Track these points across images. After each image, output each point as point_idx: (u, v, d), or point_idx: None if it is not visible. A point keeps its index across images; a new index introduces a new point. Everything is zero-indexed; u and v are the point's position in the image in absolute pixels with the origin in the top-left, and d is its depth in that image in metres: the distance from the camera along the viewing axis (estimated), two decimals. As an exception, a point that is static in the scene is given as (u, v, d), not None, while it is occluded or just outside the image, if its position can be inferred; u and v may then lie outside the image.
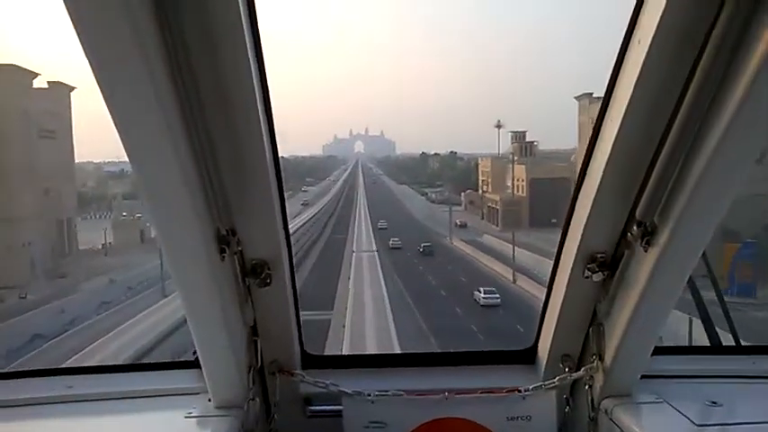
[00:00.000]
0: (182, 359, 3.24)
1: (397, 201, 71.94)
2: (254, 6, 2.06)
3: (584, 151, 2.56)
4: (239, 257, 2.59)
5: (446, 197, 65.78)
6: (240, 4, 1.97)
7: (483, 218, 58.03)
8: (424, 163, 76.87)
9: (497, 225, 53.47)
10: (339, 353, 22.44)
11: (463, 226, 56.64)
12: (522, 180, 54.26)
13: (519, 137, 56.69)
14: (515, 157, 56.55)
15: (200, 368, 2.88)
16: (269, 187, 2.44)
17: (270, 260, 2.66)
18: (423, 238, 49.45)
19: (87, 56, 1.79)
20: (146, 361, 17.71)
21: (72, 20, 1.73)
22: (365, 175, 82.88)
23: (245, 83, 2.11)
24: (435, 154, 76.98)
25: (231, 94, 2.13)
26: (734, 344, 3.27)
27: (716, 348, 3.24)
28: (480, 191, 60.75)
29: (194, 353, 2.96)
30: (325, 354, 3.35)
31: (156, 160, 2.07)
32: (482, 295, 32.68)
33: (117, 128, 1.96)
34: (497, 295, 32.78)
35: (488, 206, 57.26)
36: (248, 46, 2.05)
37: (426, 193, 71.95)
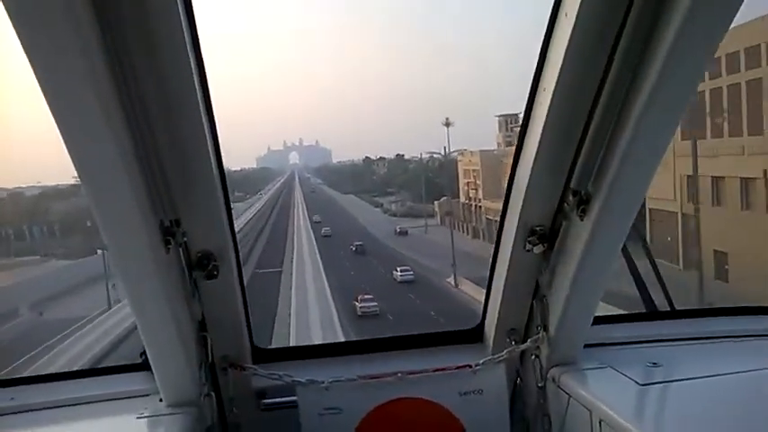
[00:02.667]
0: (130, 362, 3.16)
1: (345, 214, 57.55)
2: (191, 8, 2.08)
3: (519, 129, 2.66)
4: (184, 250, 2.57)
5: (409, 208, 52.54)
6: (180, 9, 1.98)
7: (476, 235, 40.55)
8: (367, 169, 67.58)
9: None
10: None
11: (403, 233, 46.73)
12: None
13: (510, 120, 42.14)
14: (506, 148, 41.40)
15: (150, 370, 2.83)
16: (212, 176, 2.43)
17: (216, 252, 2.63)
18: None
19: (27, 52, 1.77)
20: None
21: (15, 26, 1.71)
22: (303, 184, 76.12)
23: (183, 73, 2.10)
24: (380, 158, 66.65)
25: (171, 87, 2.12)
26: (669, 308, 3.43)
27: (653, 314, 3.39)
28: (466, 198, 43.40)
29: (141, 354, 2.92)
30: (275, 347, 3.30)
31: (97, 152, 2.03)
32: (399, 274, 34.70)
33: (54, 118, 1.91)
34: (411, 272, 34.90)
35: (486, 218, 39.66)
36: (187, 41, 2.06)
37: (381, 204, 58.62)
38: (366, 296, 29.45)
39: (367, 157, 68.34)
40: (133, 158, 2.11)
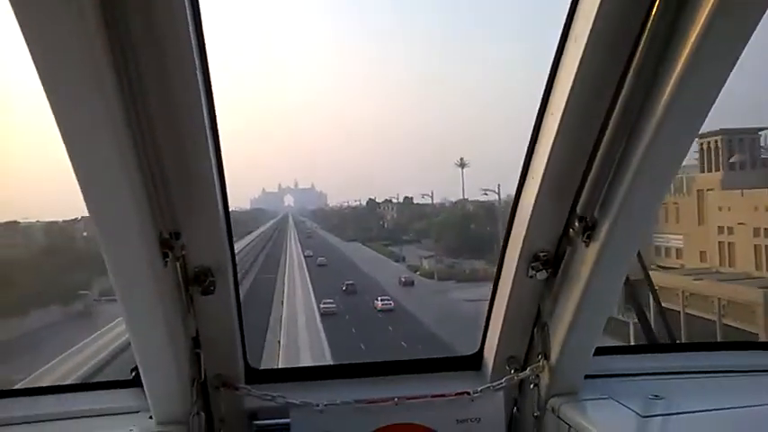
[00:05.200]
0: (120, 379, 3.09)
1: (356, 272, 43.06)
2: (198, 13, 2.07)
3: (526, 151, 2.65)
4: (182, 264, 2.52)
5: (449, 266, 38.33)
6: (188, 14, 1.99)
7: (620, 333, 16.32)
8: (372, 213, 57.28)
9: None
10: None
11: (409, 284, 38.71)
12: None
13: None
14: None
15: (140, 387, 2.77)
16: (213, 190, 2.40)
17: (213, 267, 2.59)
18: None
19: (34, 59, 1.77)
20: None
21: (21, 27, 1.72)
22: (298, 230, 68.57)
23: (189, 85, 2.10)
24: (387, 201, 55.43)
25: (176, 97, 2.12)
26: (670, 341, 3.40)
27: (654, 347, 3.36)
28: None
29: (131, 370, 2.86)
30: (270, 368, 3.23)
31: (98, 158, 2.01)
32: (379, 303, 36.84)
33: (58, 124, 1.91)
34: (391, 301, 36.60)
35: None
36: (194, 54, 2.06)
37: (402, 258, 44.39)
38: (327, 300, 36.18)
39: (371, 200, 57.63)
40: (135, 167, 2.09)
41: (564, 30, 2.29)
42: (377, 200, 56.31)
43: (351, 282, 40.92)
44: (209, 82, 2.21)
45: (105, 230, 2.19)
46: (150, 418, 2.79)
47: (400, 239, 47.18)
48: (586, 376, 2.99)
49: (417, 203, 52.97)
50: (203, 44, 2.12)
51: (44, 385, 3.23)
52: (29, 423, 2.88)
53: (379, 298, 37.40)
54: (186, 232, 2.44)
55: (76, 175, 2.03)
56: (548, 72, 2.41)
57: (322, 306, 36.10)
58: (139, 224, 2.18)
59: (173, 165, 2.25)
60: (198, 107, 2.17)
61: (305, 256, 49.90)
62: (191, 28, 2.00)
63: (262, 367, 3.16)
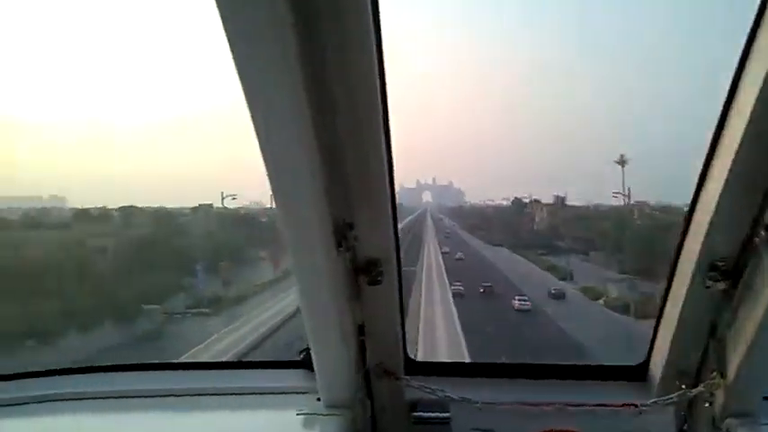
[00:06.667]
0: (287, 359, 3.27)
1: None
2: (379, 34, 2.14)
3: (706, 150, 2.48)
4: (352, 254, 2.61)
5: (653, 296, 24.22)
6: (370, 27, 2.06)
7: None
8: (518, 213, 48.92)
9: None
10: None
11: (559, 297, 33.81)
12: None
13: None
14: None
15: (306, 369, 2.91)
16: (384, 183, 2.47)
17: (382, 258, 2.67)
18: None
19: (237, 66, 1.88)
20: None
21: (228, 39, 1.83)
22: (437, 229, 73.25)
23: (370, 88, 2.18)
24: (536, 201, 46.36)
25: (358, 101, 2.20)
26: None
27: None
28: None
29: (299, 352, 3.01)
30: (428, 360, 3.28)
31: (286, 148, 2.12)
32: (517, 302, 35.02)
33: (251, 114, 2.01)
34: (528, 302, 34.48)
35: None
36: (374, 58, 2.13)
37: (569, 275, 35.77)
38: (456, 281, 36.95)
39: (517, 199, 48.28)
40: (317, 156, 2.17)
41: (756, 18, 2.10)
42: (524, 199, 46.88)
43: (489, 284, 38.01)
44: (384, 75, 2.24)
45: (286, 210, 2.29)
46: (318, 399, 2.89)
47: (557, 248, 38.72)
48: (765, 398, 2.77)
49: (571, 205, 42.41)
50: (380, 43, 2.17)
51: (210, 361, 3.47)
52: (191, 396, 3.11)
53: (516, 298, 35.43)
54: (359, 222, 2.52)
55: (266, 164, 2.13)
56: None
57: (452, 288, 37.10)
58: (319, 209, 2.27)
59: (350, 157, 2.33)
60: (375, 104, 2.22)
61: (442, 253, 49.73)
62: (371, 25, 2.06)
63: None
